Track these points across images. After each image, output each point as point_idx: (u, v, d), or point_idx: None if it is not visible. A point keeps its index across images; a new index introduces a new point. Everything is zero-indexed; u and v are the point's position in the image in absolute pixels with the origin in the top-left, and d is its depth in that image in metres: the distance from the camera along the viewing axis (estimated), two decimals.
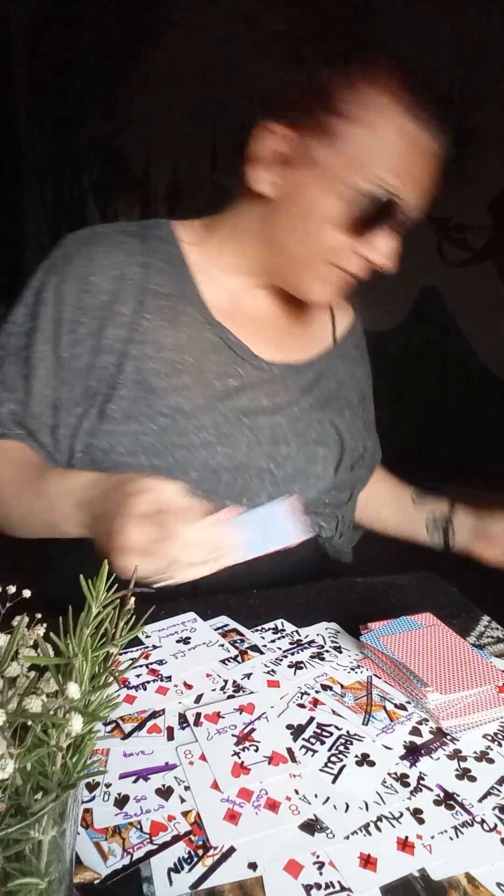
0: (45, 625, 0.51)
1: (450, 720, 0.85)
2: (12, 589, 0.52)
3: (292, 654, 0.99)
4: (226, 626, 1.05)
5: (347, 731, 0.84)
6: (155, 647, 0.99)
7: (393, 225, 1.08)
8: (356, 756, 0.80)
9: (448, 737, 0.84)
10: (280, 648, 1.00)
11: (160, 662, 0.96)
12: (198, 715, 0.86)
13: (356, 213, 1.04)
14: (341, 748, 0.81)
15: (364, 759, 0.79)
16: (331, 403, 1.30)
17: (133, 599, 0.51)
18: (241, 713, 0.86)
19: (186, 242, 1.22)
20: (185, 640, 1.01)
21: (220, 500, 1.14)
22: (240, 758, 0.79)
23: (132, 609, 0.51)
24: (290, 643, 1.02)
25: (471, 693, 0.87)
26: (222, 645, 1.00)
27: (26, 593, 0.52)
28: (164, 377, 1.14)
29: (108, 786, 0.75)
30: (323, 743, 0.82)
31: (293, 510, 0.94)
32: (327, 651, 1.00)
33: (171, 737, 0.82)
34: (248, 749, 0.80)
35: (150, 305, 1.15)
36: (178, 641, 1.01)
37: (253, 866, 0.66)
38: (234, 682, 0.93)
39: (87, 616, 0.47)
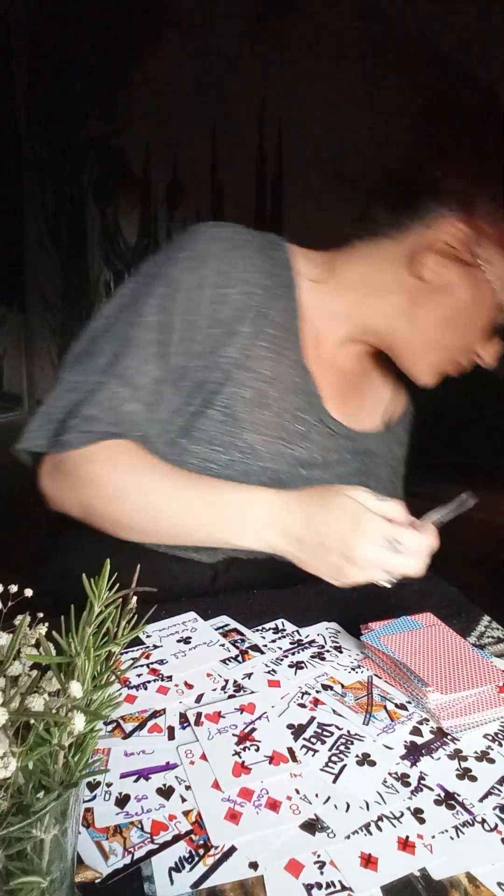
0: (46, 624, 0.51)
1: (450, 720, 0.85)
2: (14, 588, 0.52)
3: (293, 653, 0.99)
4: (226, 625, 1.05)
5: (348, 731, 0.84)
6: (156, 646, 0.99)
7: None
8: (357, 756, 0.80)
9: (449, 736, 0.84)
10: (280, 648, 1.01)
11: (161, 662, 0.96)
12: (199, 714, 0.86)
13: (499, 322, 1.12)
14: (342, 748, 0.81)
15: (365, 759, 0.79)
16: (370, 475, 1.31)
17: (135, 599, 0.52)
18: (241, 713, 0.86)
19: (303, 274, 1.20)
20: (186, 640, 1.01)
21: None
22: (240, 757, 0.79)
23: (134, 608, 0.51)
24: (291, 643, 1.02)
25: (471, 693, 0.87)
26: (223, 645, 1.00)
27: (28, 592, 0.52)
28: (250, 410, 1.13)
29: (108, 785, 0.75)
30: (324, 742, 0.82)
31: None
32: (328, 651, 1.00)
33: (171, 736, 0.82)
34: (249, 749, 0.80)
35: (265, 333, 1.14)
36: (178, 641, 1.01)
37: (254, 866, 0.66)
38: (235, 681, 0.93)
39: (89, 615, 0.47)
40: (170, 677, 0.93)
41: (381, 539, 0.95)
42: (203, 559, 1.19)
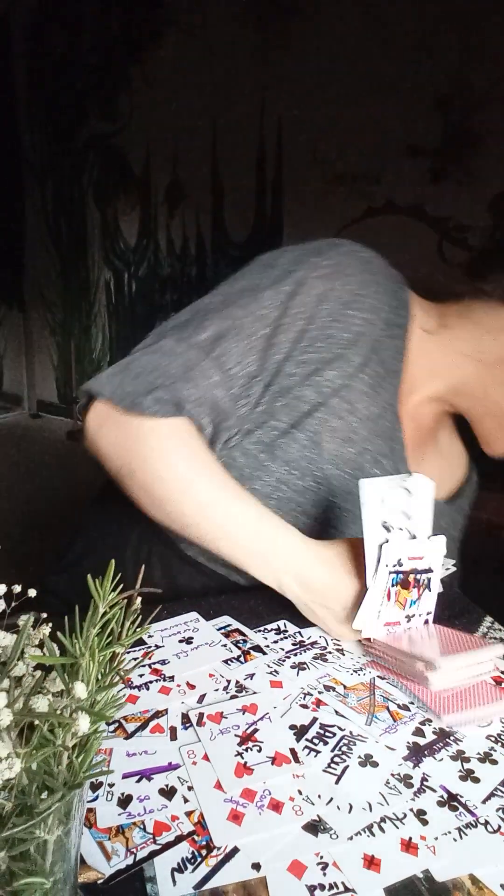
0: (50, 624, 0.51)
1: (450, 715, 0.85)
2: (17, 588, 0.52)
3: (295, 654, 0.99)
4: (228, 626, 1.05)
5: (350, 732, 0.84)
6: (157, 646, 0.99)
7: None
8: (359, 757, 0.80)
9: (451, 737, 0.84)
10: (283, 649, 1.00)
11: (163, 662, 0.96)
12: (201, 715, 0.86)
13: None
14: (344, 749, 0.81)
15: (367, 760, 0.79)
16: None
17: (139, 600, 0.51)
18: (243, 713, 0.86)
19: (417, 322, 1.17)
20: (188, 640, 1.01)
21: None
22: (243, 758, 0.79)
23: (139, 609, 0.51)
24: (293, 644, 1.02)
25: (468, 658, 0.88)
26: (225, 645, 1.00)
27: (31, 592, 0.52)
28: (335, 441, 1.11)
29: (111, 785, 0.74)
30: (326, 743, 0.82)
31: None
32: (330, 652, 1.00)
33: (174, 737, 0.82)
34: (252, 749, 0.80)
35: (371, 367, 1.11)
36: (180, 641, 1.00)
37: (256, 867, 0.66)
38: (237, 682, 0.93)
39: (93, 616, 0.47)
40: (172, 677, 0.92)
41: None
42: (240, 580, 1.19)
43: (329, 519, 1.13)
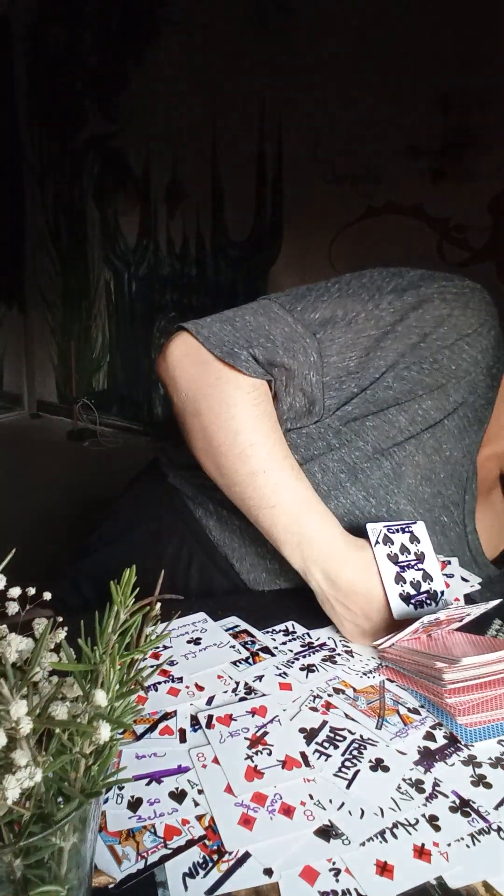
0: (66, 628, 0.50)
1: (465, 717, 0.84)
2: (32, 591, 0.52)
3: (304, 656, 0.98)
4: (236, 626, 1.04)
5: (361, 736, 0.83)
6: (165, 647, 0.99)
7: None
8: (370, 761, 0.79)
9: (462, 742, 0.83)
10: (291, 651, 1.00)
11: (171, 663, 0.95)
12: (210, 717, 0.85)
13: None
14: (355, 752, 0.80)
15: (378, 764, 0.79)
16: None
17: (158, 606, 0.51)
18: (253, 716, 0.86)
19: None
20: (196, 641, 1.00)
21: None
22: (253, 761, 0.78)
23: (158, 616, 0.50)
24: (302, 645, 1.01)
25: (483, 664, 0.88)
26: (233, 646, 0.99)
27: (47, 595, 0.52)
28: (416, 478, 1.09)
29: (121, 788, 0.74)
30: (336, 747, 0.81)
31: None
32: (339, 654, 0.99)
33: (183, 739, 0.82)
34: (262, 752, 0.80)
35: (462, 410, 1.10)
36: (188, 642, 1.00)
37: (269, 872, 0.65)
38: (246, 684, 0.92)
39: (114, 622, 0.47)
40: (180, 679, 0.92)
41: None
42: (281, 585, 1.19)
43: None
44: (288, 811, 0.72)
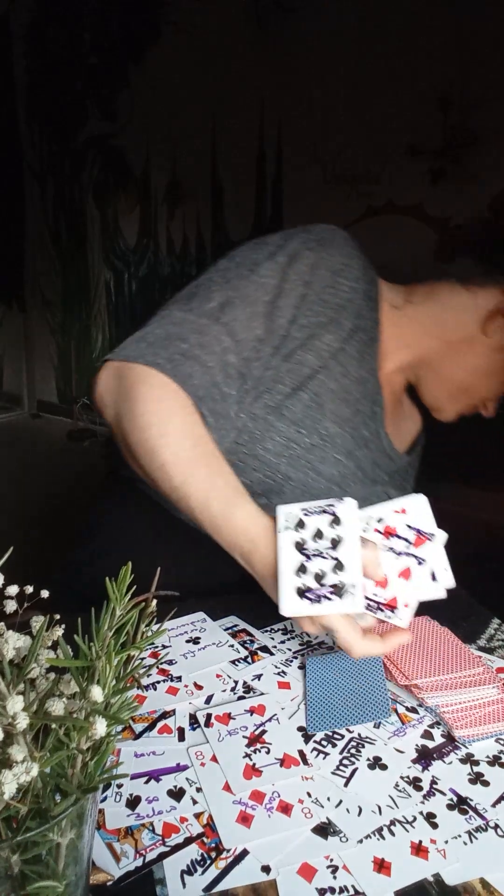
0: (63, 626, 0.50)
1: (463, 730, 0.84)
2: (30, 589, 0.52)
3: (302, 654, 0.99)
4: (235, 626, 1.05)
5: (359, 734, 0.83)
6: (164, 646, 0.99)
7: None
8: (368, 759, 0.79)
9: (460, 740, 0.83)
10: (290, 650, 1.00)
11: (170, 662, 0.95)
12: (208, 716, 0.85)
13: None
14: (353, 751, 0.81)
15: (376, 763, 0.79)
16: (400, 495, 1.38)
17: (155, 602, 0.51)
18: (251, 714, 0.86)
19: (386, 299, 1.27)
20: (195, 640, 1.00)
21: None
22: (251, 759, 0.79)
23: (154, 612, 0.51)
24: (300, 644, 1.02)
25: (454, 677, 0.89)
26: (232, 645, 1.00)
27: (44, 594, 0.52)
28: (336, 402, 1.17)
29: (119, 786, 0.74)
30: (335, 746, 0.81)
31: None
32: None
33: (181, 737, 0.82)
34: (260, 751, 0.80)
35: (358, 334, 1.19)
36: (187, 641, 1.00)
37: (266, 869, 0.66)
38: (245, 683, 0.92)
39: (110, 618, 0.47)
40: (179, 678, 0.92)
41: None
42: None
43: (334, 476, 1.19)
44: (286, 809, 0.72)
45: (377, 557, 0.88)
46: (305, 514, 0.89)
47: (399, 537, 0.91)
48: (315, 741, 0.82)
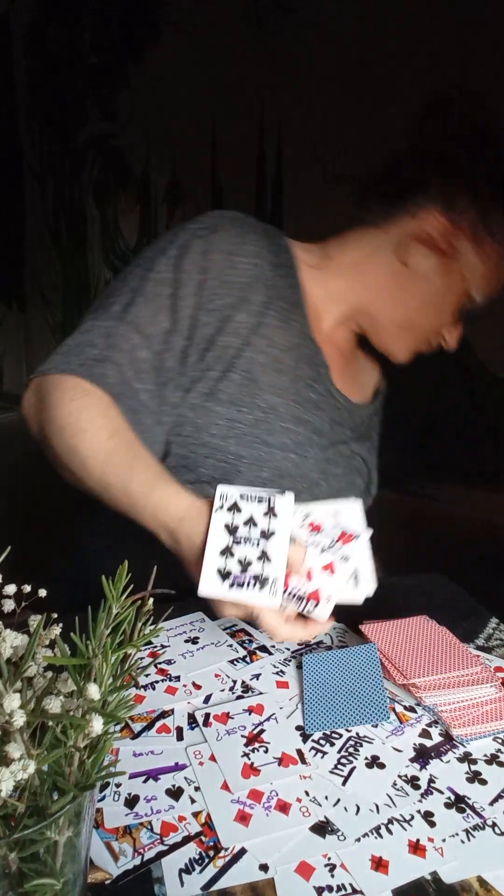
0: (60, 624, 0.51)
1: (461, 728, 0.85)
2: (27, 588, 0.52)
3: (301, 654, 0.99)
4: (234, 625, 1.05)
5: (357, 733, 0.84)
6: (163, 646, 0.99)
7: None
8: (366, 758, 0.80)
9: (457, 739, 0.84)
10: (288, 649, 1.00)
11: (169, 662, 0.95)
12: (207, 715, 0.86)
13: (464, 308, 1.25)
14: (351, 750, 0.81)
15: (374, 762, 0.79)
16: (370, 450, 1.43)
17: (152, 601, 0.51)
18: (250, 714, 0.86)
19: (302, 260, 1.29)
20: (194, 640, 1.01)
21: None
22: (249, 759, 0.79)
23: (151, 610, 0.51)
24: (299, 644, 1.02)
25: (451, 677, 0.89)
26: (231, 645, 1.00)
27: (42, 593, 0.52)
28: (269, 373, 1.19)
29: (118, 785, 0.74)
30: (333, 745, 0.82)
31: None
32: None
33: (180, 737, 0.82)
34: (258, 750, 0.80)
35: (274, 304, 1.21)
36: (186, 641, 1.00)
37: (264, 868, 0.66)
38: (243, 682, 0.92)
39: (106, 616, 0.47)
40: (178, 677, 0.92)
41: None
42: None
43: (287, 444, 1.20)
44: (284, 808, 0.72)
45: (303, 556, 0.88)
46: (242, 499, 0.89)
47: (325, 534, 0.92)
48: (313, 740, 0.82)
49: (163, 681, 0.92)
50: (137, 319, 1.14)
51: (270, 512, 0.88)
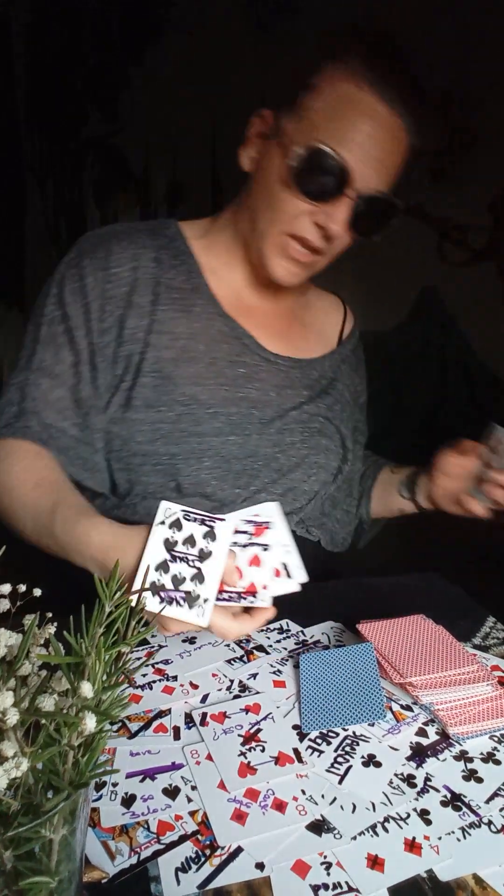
0: (55, 623, 0.51)
1: (457, 727, 0.85)
2: (22, 588, 0.52)
3: (298, 654, 0.99)
4: None
5: (353, 732, 0.84)
6: (161, 646, 0.99)
7: (347, 195, 1.07)
8: (363, 757, 0.80)
9: (454, 737, 0.84)
10: (286, 648, 1.00)
11: (166, 662, 0.96)
12: (204, 715, 0.86)
13: (306, 176, 1.07)
14: (348, 749, 0.81)
15: (370, 760, 0.79)
16: (335, 404, 1.34)
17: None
18: (247, 713, 0.86)
19: (192, 238, 1.27)
20: (191, 640, 1.01)
21: (231, 487, 1.18)
22: (246, 758, 0.79)
23: (144, 608, 0.51)
24: (296, 643, 1.02)
25: (448, 675, 0.89)
26: (228, 645, 1.00)
27: (37, 592, 0.52)
28: (181, 365, 1.17)
29: (114, 785, 0.75)
30: (329, 743, 0.82)
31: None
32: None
33: (177, 736, 0.82)
34: (255, 749, 0.80)
35: (165, 297, 1.19)
36: (183, 641, 1.00)
37: (260, 866, 0.66)
38: (241, 682, 0.93)
39: (99, 615, 0.47)
40: (175, 677, 0.93)
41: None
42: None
43: (221, 429, 1.18)
44: (280, 806, 0.73)
45: (234, 566, 0.88)
46: (185, 517, 0.89)
47: (241, 532, 0.92)
48: (310, 739, 0.82)
49: (160, 680, 0.92)
50: (43, 364, 1.17)
51: (210, 534, 0.88)
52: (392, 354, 3.86)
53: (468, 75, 3.35)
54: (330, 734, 0.83)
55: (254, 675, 0.94)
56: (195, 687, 0.91)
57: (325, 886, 0.64)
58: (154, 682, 0.91)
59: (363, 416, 1.47)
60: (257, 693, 0.90)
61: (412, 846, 0.68)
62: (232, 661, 0.97)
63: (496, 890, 0.64)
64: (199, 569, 0.85)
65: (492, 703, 0.88)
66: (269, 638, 1.03)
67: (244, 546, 0.91)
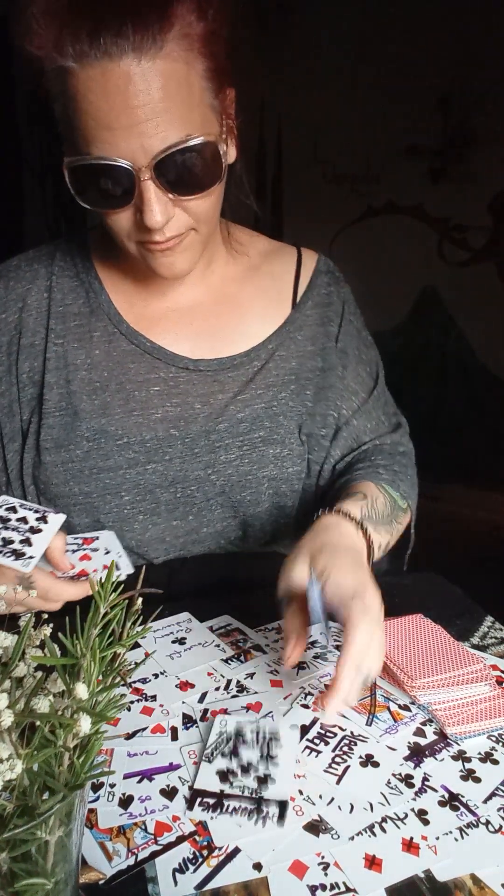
0: (51, 625, 0.51)
1: (455, 727, 0.85)
2: (19, 589, 0.52)
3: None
4: (228, 625, 1.05)
5: (351, 732, 0.84)
6: (139, 661, 0.99)
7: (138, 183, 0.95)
8: (360, 757, 0.80)
9: (451, 737, 0.84)
10: (283, 648, 1.00)
11: (143, 681, 0.93)
12: (204, 712, 0.86)
13: (92, 188, 1.02)
14: (345, 749, 0.81)
15: (368, 760, 0.79)
16: (287, 386, 1.20)
17: (140, 600, 0.51)
18: (247, 712, 0.86)
19: (96, 250, 1.19)
20: (181, 641, 1.00)
21: (166, 519, 1.16)
22: None
23: (140, 610, 0.51)
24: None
25: (450, 676, 0.89)
26: (218, 645, 1.00)
27: (33, 594, 0.52)
28: (84, 399, 1.13)
29: (112, 786, 0.75)
30: (327, 744, 0.82)
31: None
32: (330, 651, 1.00)
33: (175, 737, 0.82)
34: None
35: (59, 329, 1.16)
36: (173, 642, 1.00)
37: (258, 867, 0.66)
38: (238, 682, 0.92)
39: (94, 616, 0.47)
40: (154, 697, 0.90)
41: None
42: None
43: (136, 458, 1.13)
44: None
45: (65, 558, 0.97)
46: (21, 506, 0.97)
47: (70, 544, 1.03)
48: (307, 739, 0.82)
49: (138, 701, 0.89)
50: None
51: (42, 519, 0.96)
52: (392, 354, 3.86)
53: (468, 76, 3.36)
54: (328, 734, 0.83)
55: (251, 675, 0.94)
56: (191, 685, 0.91)
57: (323, 887, 0.64)
58: (133, 702, 0.89)
59: (354, 376, 1.26)
60: (255, 693, 0.90)
61: (410, 846, 0.68)
62: (229, 661, 0.96)
63: (494, 890, 0.64)
64: (28, 537, 0.93)
65: (490, 703, 0.88)
66: (266, 637, 1.03)
67: (74, 551, 1.02)
